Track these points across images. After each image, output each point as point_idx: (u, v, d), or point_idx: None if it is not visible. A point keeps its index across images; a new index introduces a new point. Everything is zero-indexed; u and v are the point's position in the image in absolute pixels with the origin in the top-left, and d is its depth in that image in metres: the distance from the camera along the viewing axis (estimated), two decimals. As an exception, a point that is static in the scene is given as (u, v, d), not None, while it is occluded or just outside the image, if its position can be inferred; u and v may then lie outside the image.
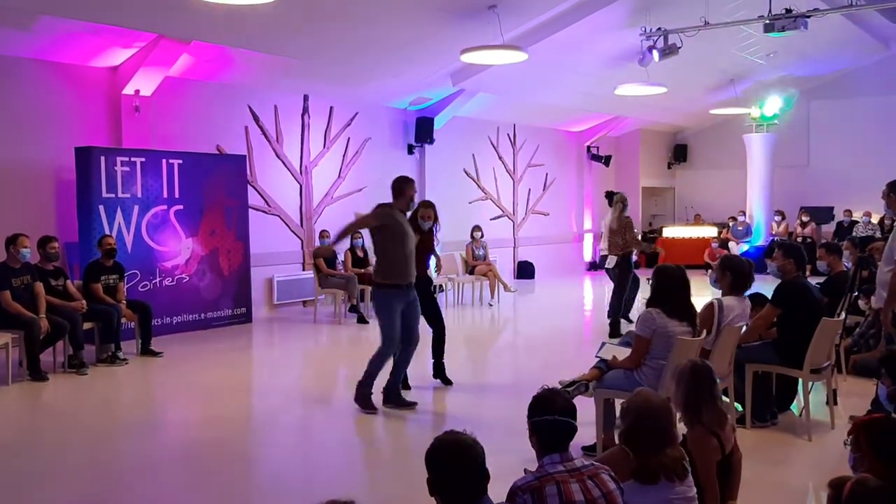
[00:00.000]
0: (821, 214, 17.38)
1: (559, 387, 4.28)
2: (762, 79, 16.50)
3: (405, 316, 6.27)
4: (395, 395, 6.41)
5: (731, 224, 18.16)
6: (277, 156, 11.85)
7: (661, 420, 3.09)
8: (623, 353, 5.12)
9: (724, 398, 5.73)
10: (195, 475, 5.07)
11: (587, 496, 2.70)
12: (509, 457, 4.22)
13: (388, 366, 6.39)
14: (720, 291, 5.71)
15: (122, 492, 4.82)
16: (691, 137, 20.44)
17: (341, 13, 9.33)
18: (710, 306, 5.35)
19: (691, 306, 5.01)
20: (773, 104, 17.77)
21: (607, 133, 18.43)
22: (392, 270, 6.23)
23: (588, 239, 18.62)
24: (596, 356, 5.33)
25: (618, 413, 5.12)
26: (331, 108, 12.60)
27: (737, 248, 17.03)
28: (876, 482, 2.52)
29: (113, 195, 9.11)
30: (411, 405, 6.39)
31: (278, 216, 11.88)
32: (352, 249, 11.42)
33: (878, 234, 15.37)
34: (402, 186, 6.61)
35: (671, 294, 4.93)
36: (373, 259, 11.50)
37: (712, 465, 3.38)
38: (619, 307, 9.77)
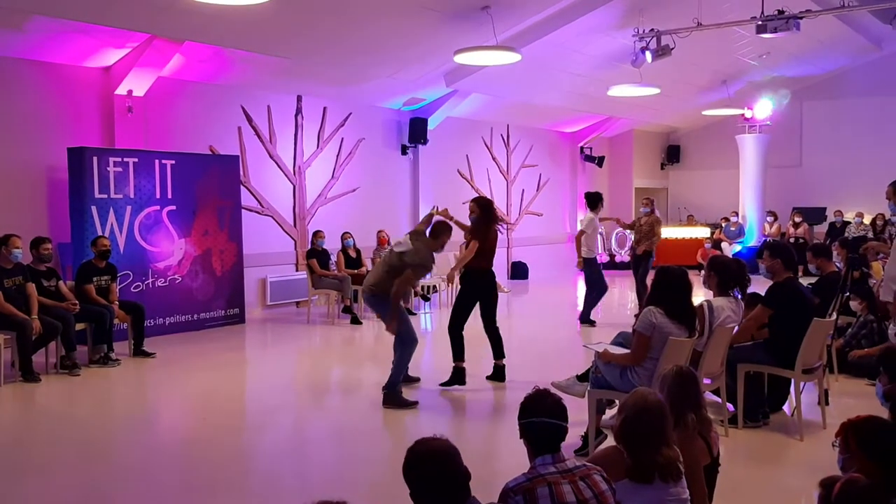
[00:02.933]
0: (813, 215, 17.43)
1: (552, 388, 4.28)
2: (755, 80, 16.55)
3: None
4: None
5: (723, 225, 18.20)
6: (271, 156, 11.84)
7: (657, 419, 3.09)
8: (615, 351, 5.13)
9: (716, 398, 5.77)
10: (188, 476, 5.06)
11: (579, 497, 2.70)
12: (502, 457, 4.23)
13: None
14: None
15: (114, 493, 4.81)
16: (684, 138, 20.48)
17: (334, 13, 9.33)
18: (700, 308, 5.36)
19: (692, 309, 5.00)
20: (763, 107, 17.79)
21: (601, 134, 18.46)
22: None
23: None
24: (585, 346, 5.37)
25: (608, 403, 5.17)
26: (324, 108, 12.60)
27: (729, 249, 17.06)
28: (866, 482, 2.53)
29: (105, 196, 9.09)
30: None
31: (271, 217, 11.87)
32: (344, 250, 11.42)
33: (869, 235, 15.42)
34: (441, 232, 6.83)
35: (673, 295, 4.91)
36: (366, 261, 11.64)
37: (699, 467, 3.38)
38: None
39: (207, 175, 10.22)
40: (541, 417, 2.83)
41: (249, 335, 10.21)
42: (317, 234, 11.19)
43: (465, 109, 14.38)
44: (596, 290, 10.59)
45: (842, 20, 13.61)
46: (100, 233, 8.87)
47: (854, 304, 7.62)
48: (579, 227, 10.81)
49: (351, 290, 10.90)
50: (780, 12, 10.55)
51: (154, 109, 10.16)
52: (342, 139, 12.93)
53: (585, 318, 10.62)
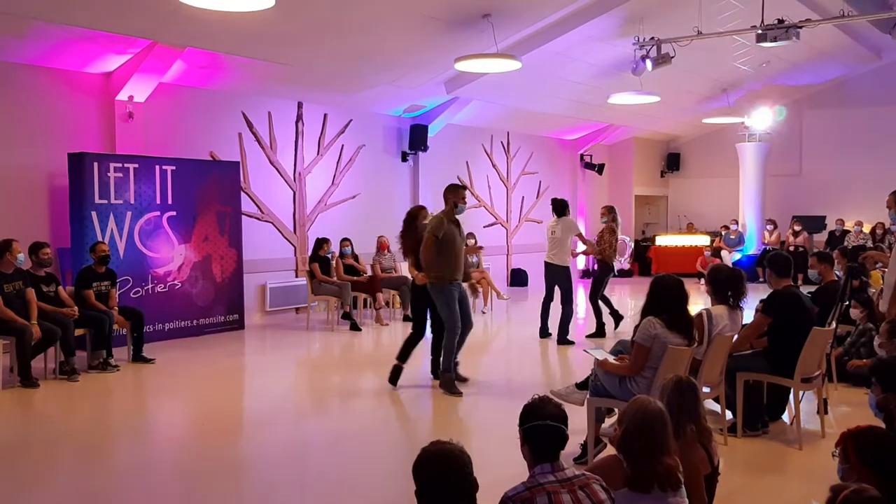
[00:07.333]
0: (813, 223, 17.43)
1: (551, 396, 4.29)
2: (755, 88, 16.58)
3: (461, 305, 7.22)
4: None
5: (723, 233, 18.21)
6: (271, 162, 11.85)
7: (657, 427, 3.09)
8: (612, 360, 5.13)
9: (715, 405, 5.77)
10: (186, 482, 5.05)
11: (578, 507, 2.70)
12: (501, 466, 4.23)
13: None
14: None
15: (112, 499, 4.80)
16: (684, 146, 20.51)
17: (336, 21, 9.35)
18: (699, 316, 5.35)
19: (689, 318, 4.99)
20: (763, 118, 17.82)
21: (601, 141, 18.49)
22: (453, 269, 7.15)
23: (581, 247, 18.59)
24: (586, 351, 5.36)
25: (608, 411, 5.17)
26: (325, 114, 12.62)
27: (729, 257, 17.06)
28: (872, 493, 2.52)
29: (106, 201, 9.09)
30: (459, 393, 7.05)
31: (271, 223, 11.88)
32: (342, 257, 11.42)
33: (869, 244, 15.43)
34: (447, 193, 7.35)
35: (670, 304, 4.89)
36: (366, 267, 11.66)
37: (699, 476, 3.38)
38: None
39: (208, 181, 10.23)
40: (544, 420, 2.83)
41: (249, 341, 10.21)
42: (324, 241, 11.11)
43: (466, 116, 14.41)
44: (570, 305, 9.81)
45: (841, 29, 13.65)
46: (100, 238, 8.88)
47: (854, 312, 7.61)
48: (573, 232, 10.00)
49: (350, 296, 10.90)
50: (780, 21, 10.58)
51: (155, 115, 10.18)
52: (342, 146, 12.95)
53: (563, 339, 9.67)
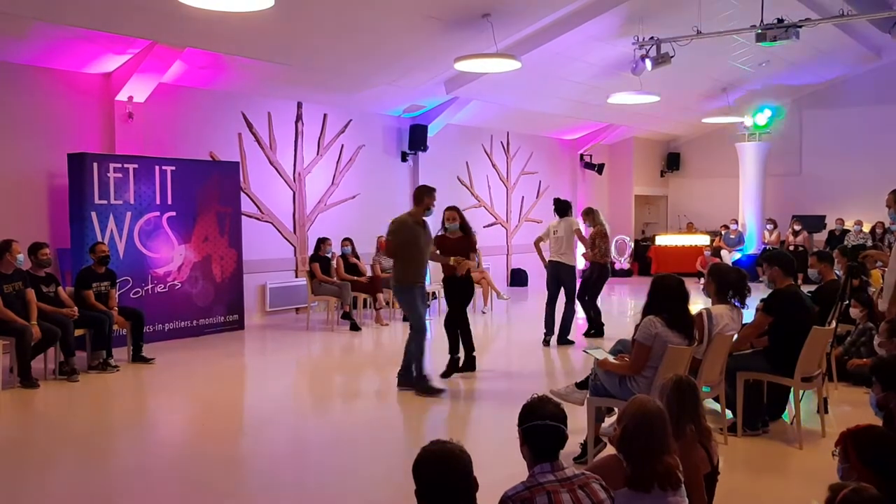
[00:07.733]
0: (813, 223, 17.43)
1: (551, 395, 4.28)
2: (754, 88, 16.58)
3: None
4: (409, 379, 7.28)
5: (723, 232, 18.20)
6: (271, 162, 11.85)
7: (656, 427, 3.09)
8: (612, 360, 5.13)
9: (715, 405, 5.77)
10: (186, 483, 5.05)
11: (578, 506, 2.70)
12: (501, 466, 4.23)
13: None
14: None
15: (113, 499, 4.80)
16: (684, 146, 20.51)
17: (335, 21, 9.35)
18: (699, 315, 5.34)
19: (689, 317, 4.99)
20: (763, 115, 17.83)
21: (600, 141, 18.48)
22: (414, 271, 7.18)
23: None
24: (585, 351, 5.35)
25: (607, 411, 5.17)
26: (324, 115, 12.62)
27: (729, 257, 17.05)
28: (872, 493, 2.52)
29: (105, 201, 9.09)
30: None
31: (271, 223, 11.88)
32: (343, 257, 11.42)
33: (869, 243, 15.43)
34: (423, 196, 7.30)
35: (672, 304, 4.89)
36: (366, 267, 11.66)
37: (699, 475, 3.38)
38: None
39: (208, 181, 10.23)
40: (543, 420, 2.83)
41: (248, 341, 10.21)
42: (324, 241, 11.13)
43: (465, 116, 14.41)
44: (574, 305, 9.76)
45: (841, 29, 13.64)
46: (99, 239, 8.88)
47: (854, 312, 7.61)
48: (573, 229, 9.83)
49: (350, 296, 10.90)
50: (780, 21, 10.57)
51: (154, 115, 10.18)
52: (342, 146, 12.95)
53: (563, 339, 9.64)
